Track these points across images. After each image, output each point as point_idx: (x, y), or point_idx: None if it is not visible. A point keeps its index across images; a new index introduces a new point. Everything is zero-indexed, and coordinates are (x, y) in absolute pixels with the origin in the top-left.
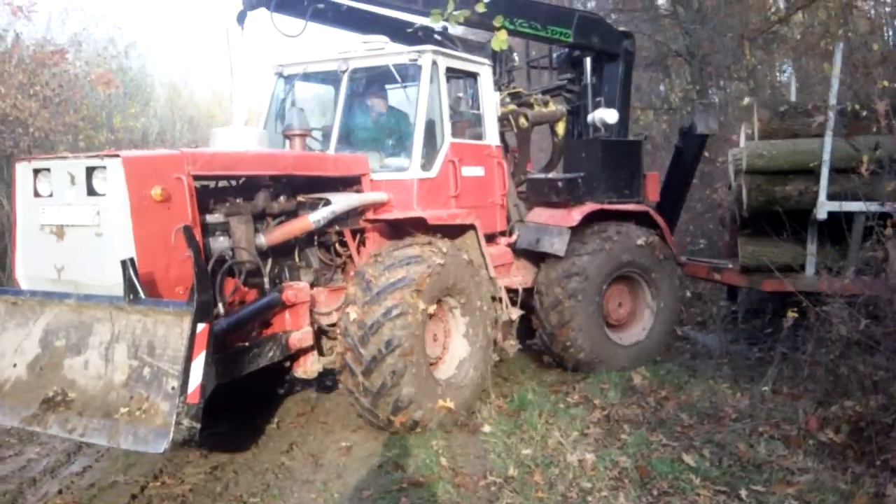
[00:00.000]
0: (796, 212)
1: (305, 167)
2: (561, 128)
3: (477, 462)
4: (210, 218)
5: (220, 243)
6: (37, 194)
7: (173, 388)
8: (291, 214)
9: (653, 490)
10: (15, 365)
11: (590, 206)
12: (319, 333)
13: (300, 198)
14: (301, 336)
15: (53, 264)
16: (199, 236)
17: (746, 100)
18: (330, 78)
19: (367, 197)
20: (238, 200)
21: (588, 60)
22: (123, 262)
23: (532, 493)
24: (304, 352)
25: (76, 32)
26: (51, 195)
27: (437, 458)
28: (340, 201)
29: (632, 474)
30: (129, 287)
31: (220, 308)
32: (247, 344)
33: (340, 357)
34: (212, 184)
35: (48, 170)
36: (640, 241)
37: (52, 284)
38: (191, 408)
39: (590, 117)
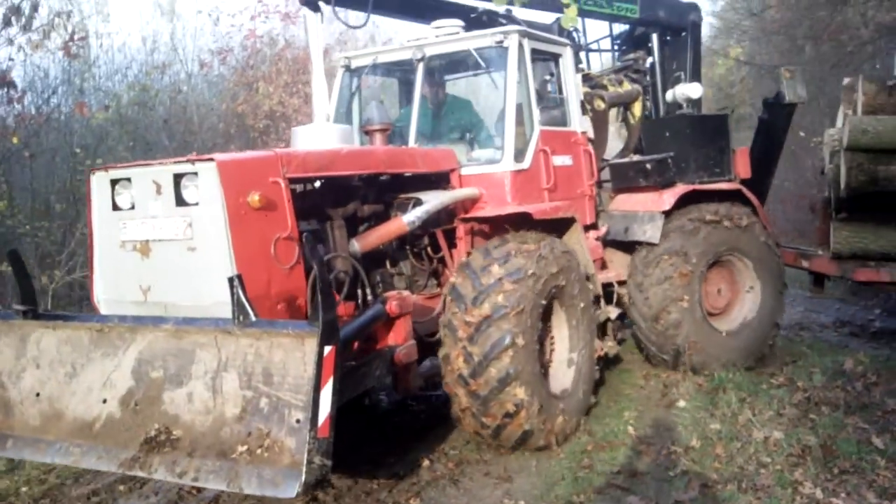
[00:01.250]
0: None
1: (396, 164)
2: (637, 108)
3: (665, 433)
4: (304, 225)
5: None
6: (116, 207)
7: (298, 422)
8: (381, 217)
9: (833, 468)
10: (105, 401)
11: (682, 188)
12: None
13: (390, 198)
14: (406, 350)
15: (138, 285)
16: (296, 246)
17: (846, 80)
18: (403, 68)
19: (459, 193)
20: (329, 204)
21: (655, 36)
22: (231, 280)
23: (709, 463)
24: (405, 367)
25: (342, 32)
26: (132, 207)
27: (625, 426)
28: (433, 199)
29: (815, 453)
30: (239, 307)
31: None
32: (353, 363)
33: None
34: (299, 187)
35: (128, 179)
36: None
37: (136, 308)
38: (321, 442)
39: (670, 94)
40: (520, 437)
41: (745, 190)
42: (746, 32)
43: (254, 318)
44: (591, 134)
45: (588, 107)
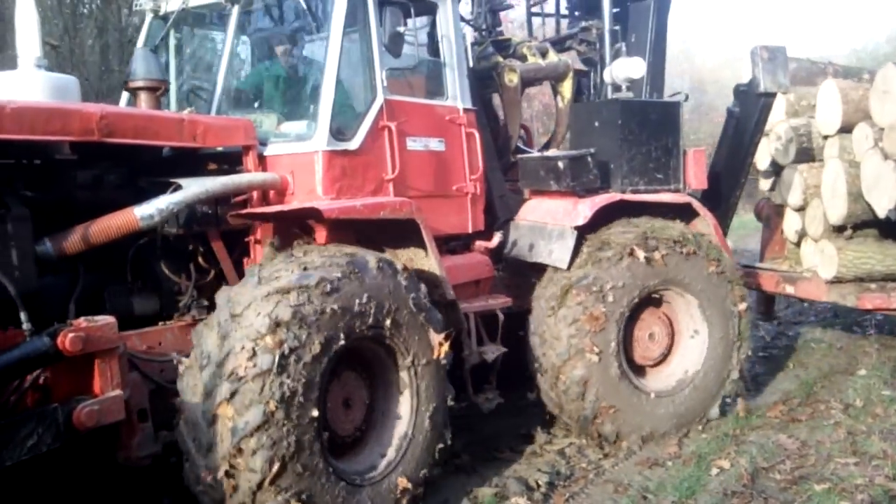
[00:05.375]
0: None
1: (127, 132)
2: (566, 88)
3: (835, 394)
4: None
5: None
6: None
7: None
8: (120, 207)
9: None
10: None
11: (605, 197)
12: (160, 394)
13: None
14: (101, 407)
15: None
16: None
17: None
18: (216, 16)
19: (241, 180)
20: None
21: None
22: None
23: (863, 419)
24: (125, 428)
25: None
26: None
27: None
28: (193, 187)
29: None
30: None
31: None
32: None
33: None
34: None
35: None
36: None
37: None
38: None
39: (607, 71)
40: None
41: (695, 203)
42: None
43: None
44: (498, 112)
45: (498, 80)
